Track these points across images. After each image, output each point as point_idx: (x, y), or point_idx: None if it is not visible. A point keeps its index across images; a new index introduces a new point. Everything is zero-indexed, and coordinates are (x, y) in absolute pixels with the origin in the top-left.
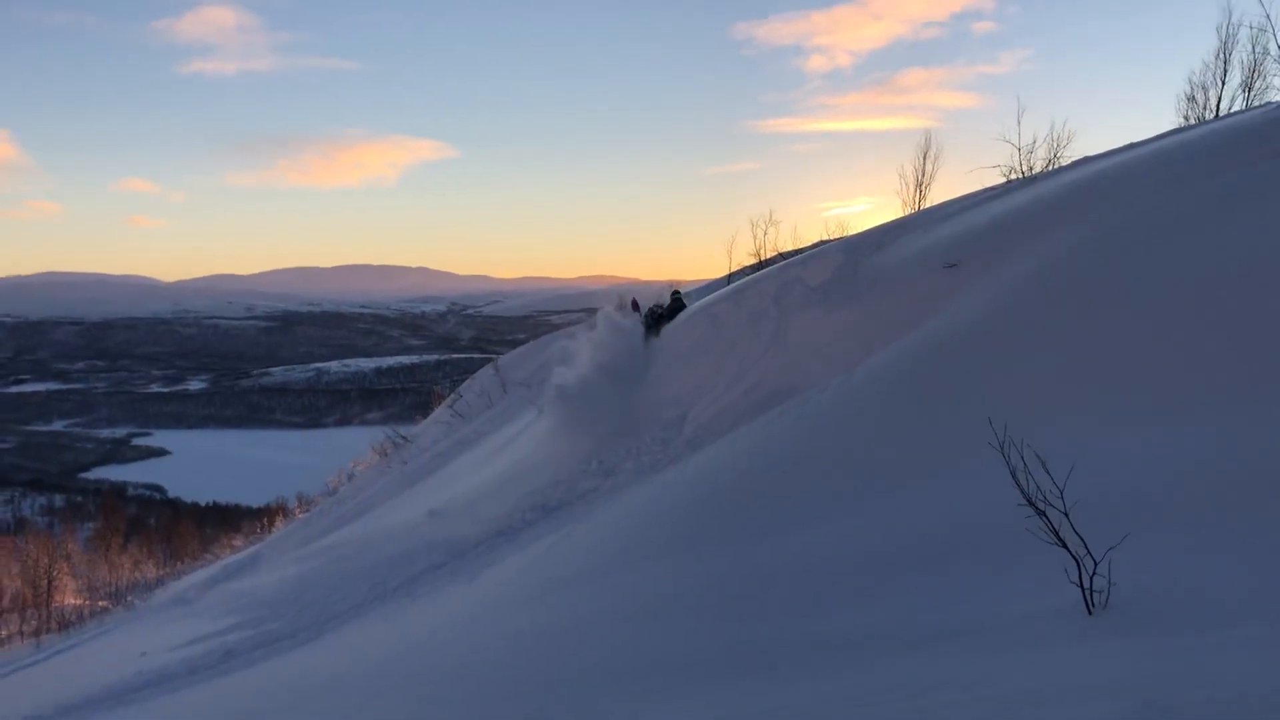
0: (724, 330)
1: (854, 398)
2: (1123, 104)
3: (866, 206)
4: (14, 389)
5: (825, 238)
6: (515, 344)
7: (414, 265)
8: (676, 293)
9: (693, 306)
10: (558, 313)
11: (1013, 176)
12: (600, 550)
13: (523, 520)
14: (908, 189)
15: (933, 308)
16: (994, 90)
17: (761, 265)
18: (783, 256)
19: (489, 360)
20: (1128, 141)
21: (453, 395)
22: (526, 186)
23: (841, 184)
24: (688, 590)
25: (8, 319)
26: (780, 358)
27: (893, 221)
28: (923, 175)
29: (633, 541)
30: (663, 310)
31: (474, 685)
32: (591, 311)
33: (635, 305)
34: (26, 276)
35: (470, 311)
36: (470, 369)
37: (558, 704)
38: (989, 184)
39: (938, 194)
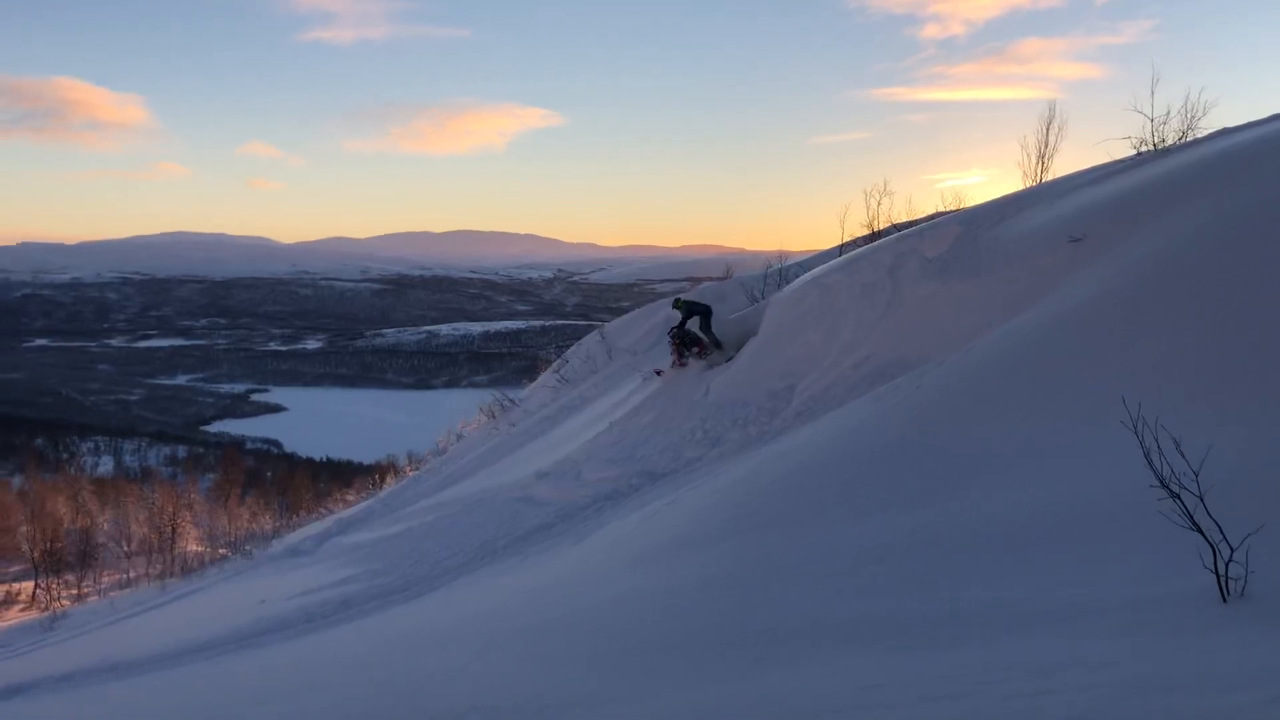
0: (835, 301)
1: (972, 372)
2: (1264, 74)
3: (981, 178)
4: (141, 343)
5: (941, 209)
6: (619, 312)
7: (522, 232)
8: (679, 300)
9: (802, 278)
10: (662, 281)
11: (1143, 149)
12: (709, 517)
13: (629, 485)
14: (1029, 160)
15: (1055, 283)
16: (1115, 61)
17: (875, 236)
18: (896, 228)
19: (594, 327)
20: (1273, 113)
21: (559, 360)
22: (633, 155)
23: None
24: (802, 560)
25: (136, 276)
26: (894, 330)
27: (1014, 193)
28: (1045, 146)
29: (742, 510)
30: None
31: (584, 644)
32: (696, 281)
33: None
34: (154, 236)
35: (576, 278)
36: (575, 335)
37: (669, 665)
38: (1117, 156)
39: (1060, 166)
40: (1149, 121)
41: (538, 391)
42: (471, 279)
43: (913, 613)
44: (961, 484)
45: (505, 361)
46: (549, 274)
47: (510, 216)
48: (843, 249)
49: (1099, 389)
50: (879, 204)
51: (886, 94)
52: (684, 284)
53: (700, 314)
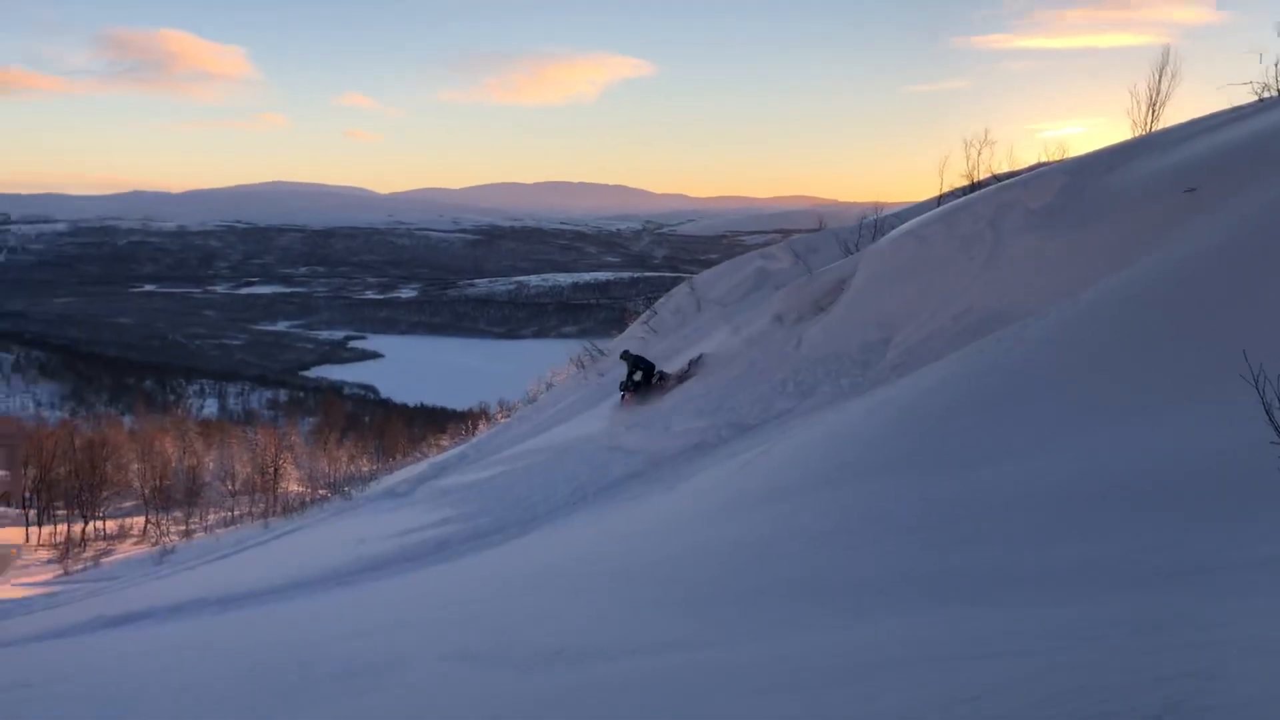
0: (933, 253)
1: (1076, 326)
2: None
3: (1085, 128)
4: (244, 290)
5: (1043, 160)
6: (708, 264)
7: (612, 183)
8: (626, 352)
9: (899, 229)
10: (752, 233)
11: (1265, 95)
12: (800, 468)
13: (718, 436)
14: (1139, 108)
15: (1166, 234)
16: (1234, 4)
17: (974, 187)
18: (997, 179)
19: (682, 279)
20: None
21: (648, 312)
22: (724, 105)
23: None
24: (895, 513)
25: (239, 225)
26: (995, 283)
27: (1124, 142)
28: (1157, 94)
29: (834, 462)
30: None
31: (676, 590)
32: (786, 233)
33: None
34: (255, 185)
35: (665, 230)
36: (663, 287)
37: (762, 613)
38: (1237, 103)
39: (1172, 115)
40: (1273, 65)
41: (626, 342)
42: (561, 230)
43: (1014, 567)
44: (1067, 438)
45: (593, 313)
46: (638, 225)
47: (600, 167)
48: (941, 200)
49: (1214, 344)
50: (979, 154)
51: (987, 41)
52: (774, 235)
53: (644, 369)
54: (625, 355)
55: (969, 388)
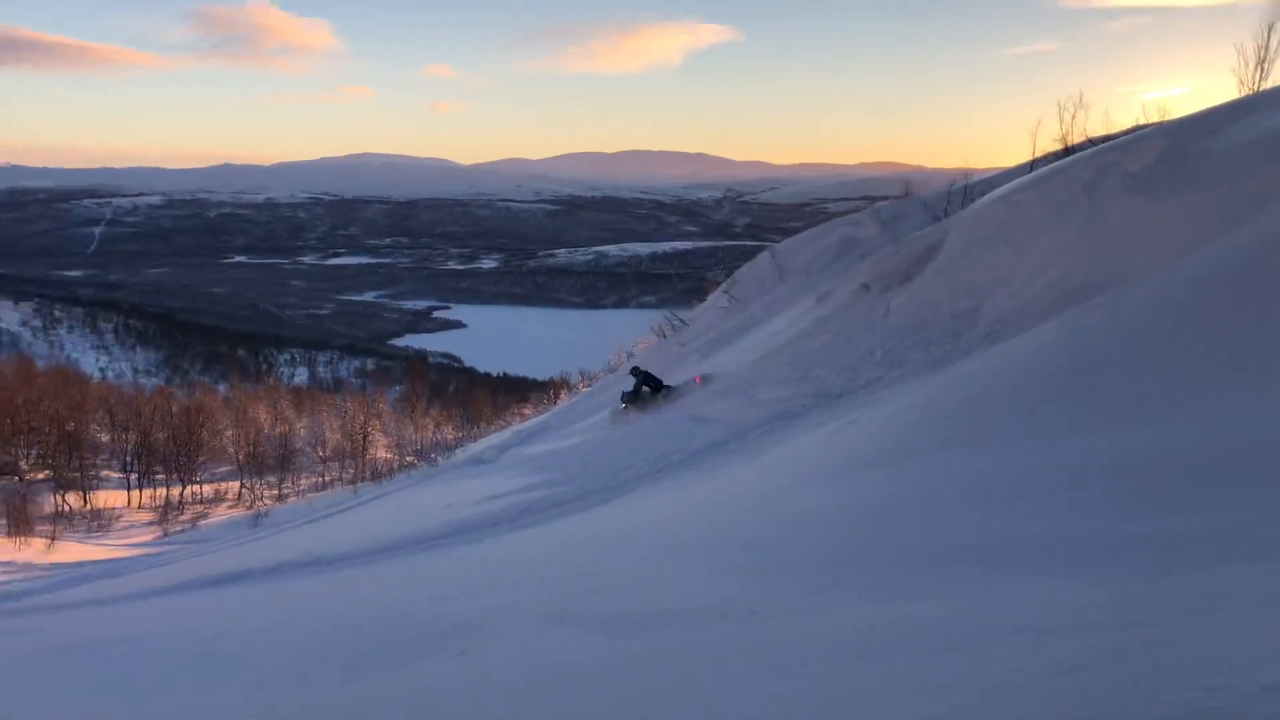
0: (1026, 219)
1: (1178, 294)
2: None
3: (1187, 90)
4: (331, 261)
5: (1142, 122)
6: (790, 232)
7: (692, 151)
8: (636, 368)
9: (990, 195)
10: (836, 200)
11: None
12: (888, 438)
13: (803, 406)
14: (1246, 67)
15: (1276, 198)
16: None
17: (1068, 151)
18: (1092, 142)
19: (763, 248)
20: None
21: (729, 281)
22: (808, 71)
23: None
24: (991, 482)
25: (326, 197)
26: (1090, 249)
27: (1230, 102)
28: (1266, 51)
29: (924, 431)
30: (643, 387)
31: (763, 556)
32: (871, 199)
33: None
34: (341, 157)
35: (746, 198)
36: (744, 256)
37: (850, 580)
38: None
39: None
40: None
41: (707, 312)
42: (641, 199)
43: (1112, 538)
44: (1167, 408)
45: (673, 282)
46: (718, 194)
47: (680, 136)
48: (1033, 165)
49: None
50: (1073, 118)
51: (1080, 1)
52: (859, 203)
53: (652, 384)
54: (635, 371)
55: (1066, 356)
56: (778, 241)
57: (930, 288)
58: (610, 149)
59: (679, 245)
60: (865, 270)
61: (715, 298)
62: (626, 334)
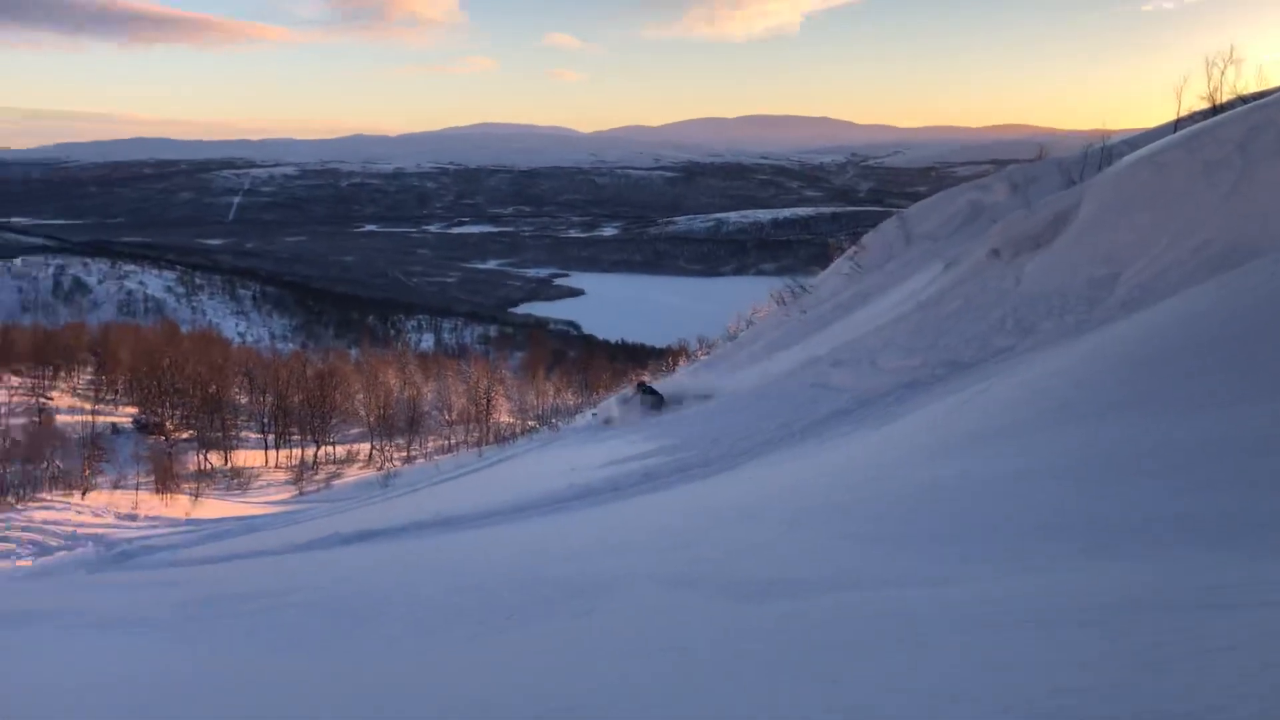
0: (1171, 181)
1: None
2: None
3: None
4: (455, 230)
5: None
6: (915, 197)
7: (815, 115)
8: (642, 383)
9: (1131, 156)
10: (963, 164)
11: None
12: (1022, 408)
13: (931, 374)
14: None
15: None
16: None
17: (1217, 110)
18: (1244, 101)
19: (887, 214)
20: None
21: (853, 247)
22: (933, 29)
23: None
24: (1129, 455)
25: (450, 166)
26: (1242, 212)
27: None
28: None
29: (1061, 401)
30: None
31: (892, 526)
32: (1000, 163)
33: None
34: (465, 127)
35: (870, 163)
36: (867, 222)
37: (984, 552)
38: None
39: None
40: None
41: (830, 279)
42: (762, 165)
43: (1260, 513)
44: None
45: (794, 249)
46: (841, 158)
47: (802, 100)
48: (1178, 125)
49: None
50: (1223, 74)
51: None
52: (987, 166)
53: (654, 397)
54: (642, 386)
55: (1212, 324)
56: (902, 207)
57: (1065, 253)
58: (731, 114)
59: (800, 211)
60: (995, 236)
61: (838, 264)
62: (745, 301)
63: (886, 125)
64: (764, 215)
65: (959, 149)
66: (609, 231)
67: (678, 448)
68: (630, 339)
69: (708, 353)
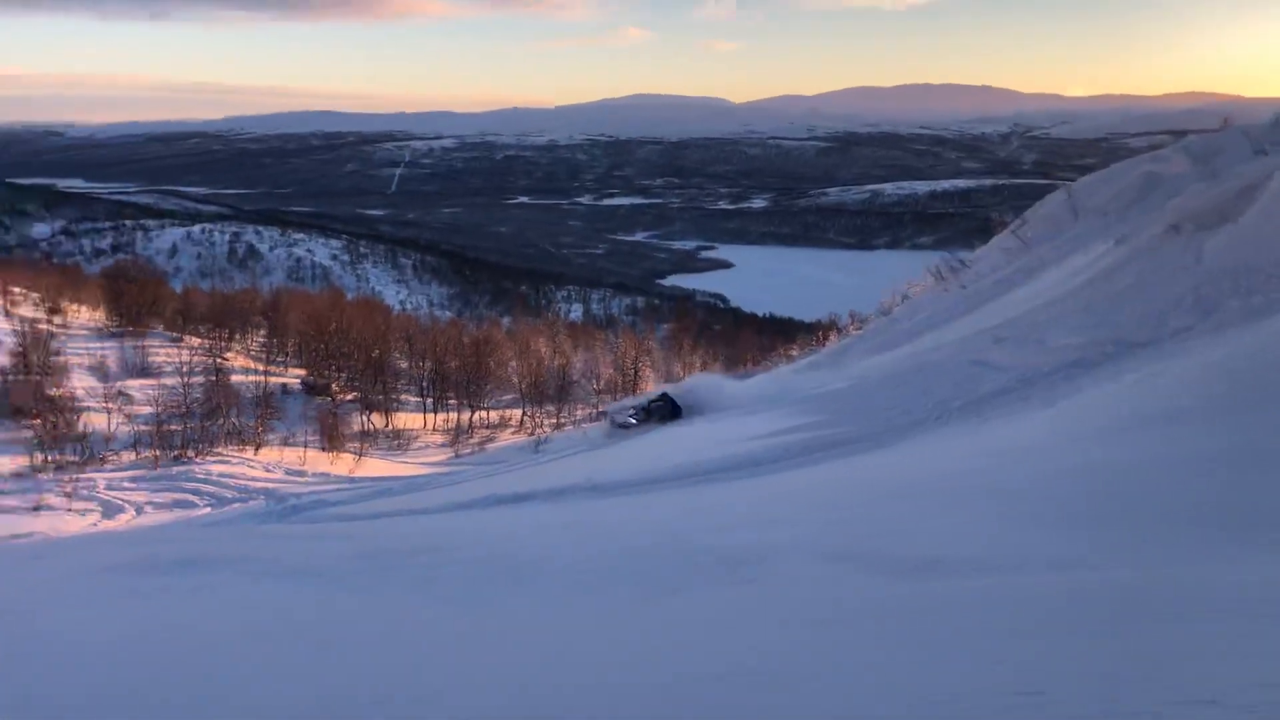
0: None
1: None
2: None
3: None
4: (605, 202)
5: None
6: (1083, 169)
7: (977, 84)
8: (665, 394)
9: None
10: (1137, 135)
11: None
12: (1200, 391)
13: (1101, 354)
14: None
15: None
16: None
17: None
18: None
19: (1052, 187)
20: None
21: (1016, 221)
22: None
23: None
24: None
25: (601, 138)
26: None
27: None
28: None
29: (1245, 386)
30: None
31: (1056, 508)
32: (1178, 134)
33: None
34: (617, 99)
35: (1035, 133)
36: (1030, 195)
37: (1152, 538)
38: None
39: None
40: None
41: (991, 253)
42: (920, 135)
43: None
44: None
45: (952, 222)
46: (1004, 129)
47: (964, 68)
48: None
49: None
50: None
51: None
52: (1163, 137)
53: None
54: (663, 397)
55: None
56: (1069, 180)
57: (1254, 229)
58: (888, 83)
59: (959, 183)
60: (1174, 210)
61: (1001, 239)
62: (899, 276)
63: (1053, 94)
64: (920, 187)
65: (1132, 118)
66: (758, 203)
67: (827, 423)
68: (778, 312)
69: (859, 327)
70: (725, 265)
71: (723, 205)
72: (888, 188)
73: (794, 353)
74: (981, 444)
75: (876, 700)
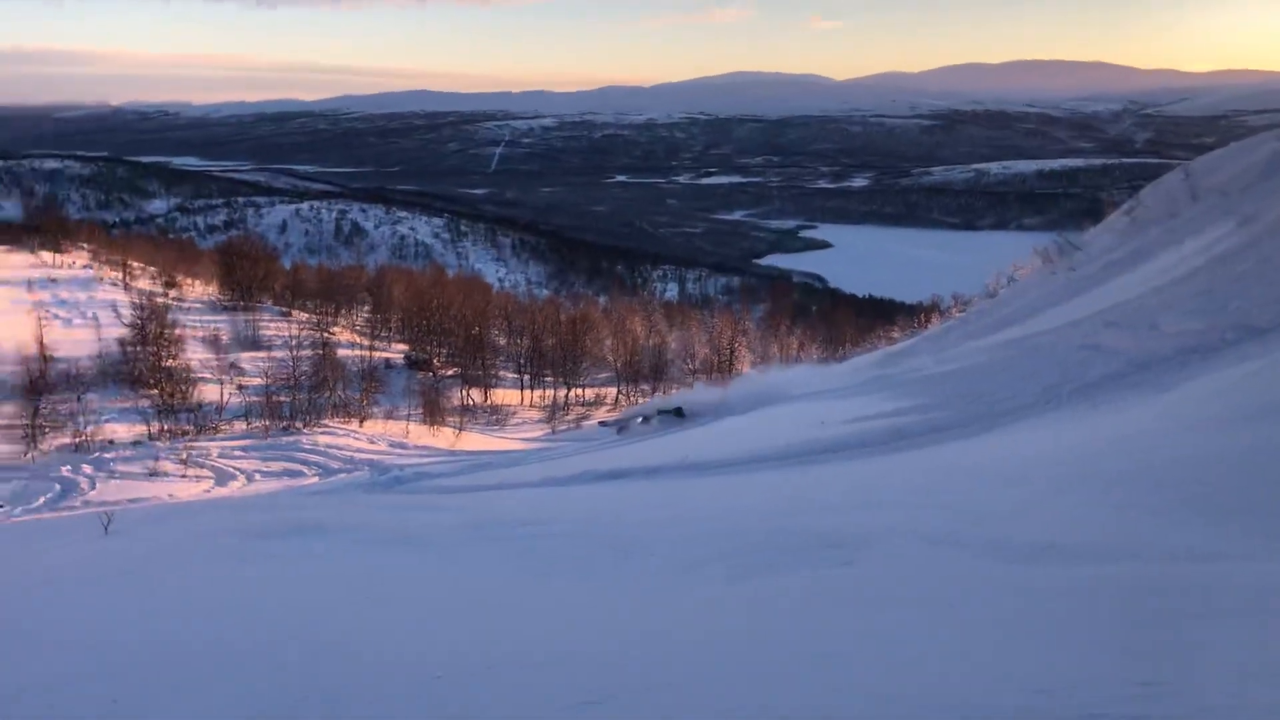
0: None
1: None
2: None
3: None
4: (703, 180)
5: None
6: (1200, 148)
7: (1089, 60)
8: (679, 408)
9: None
10: (1260, 111)
11: None
12: None
13: (1220, 339)
14: None
15: None
16: None
17: None
18: None
19: (1167, 167)
20: None
21: (1130, 201)
22: None
23: None
24: None
25: (701, 116)
26: None
27: None
28: None
29: None
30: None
31: (1176, 496)
32: None
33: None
34: (717, 77)
35: (1150, 111)
36: (1143, 175)
37: (1273, 532)
38: None
39: None
40: None
41: (1102, 235)
42: (1028, 113)
43: None
44: None
45: (1060, 203)
46: (1117, 106)
47: (1075, 43)
48: None
49: None
50: None
51: None
52: None
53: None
54: (678, 410)
55: None
56: (1184, 159)
57: None
58: (995, 59)
59: (1069, 163)
60: None
61: (1113, 220)
62: (1004, 258)
63: (1171, 70)
64: (1028, 167)
65: (1255, 95)
66: (859, 182)
67: (929, 407)
68: (878, 293)
69: (963, 310)
70: (824, 245)
71: (823, 184)
72: (993, 167)
73: (894, 335)
74: (1092, 430)
75: (991, 686)
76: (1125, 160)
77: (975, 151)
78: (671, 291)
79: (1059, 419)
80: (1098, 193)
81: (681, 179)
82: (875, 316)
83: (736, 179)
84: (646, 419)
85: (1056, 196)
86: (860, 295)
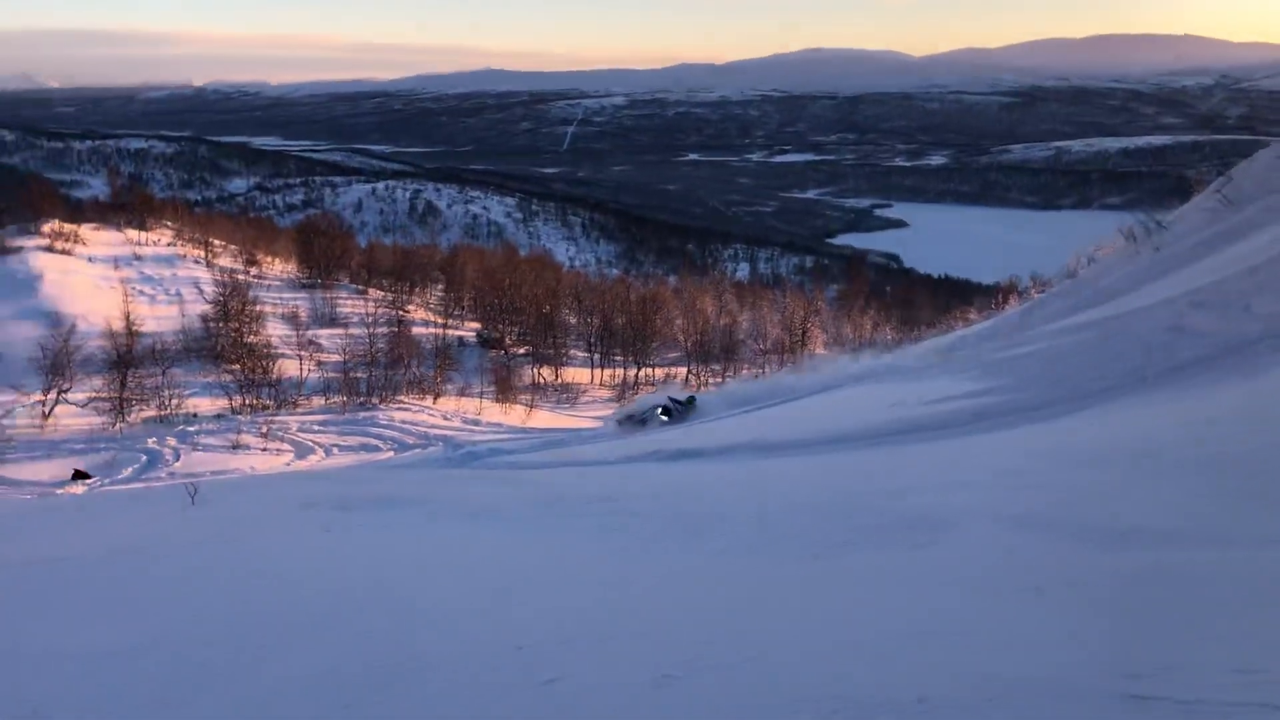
0: None
1: None
2: None
3: None
4: (777, 158)
5: None
6: None
7: (1178, 33)
8: (692, 397)
9: None
10: None
11: None
12: None
13: None
14: None
15: None
16: None
17: None
18: None
19: (1261, 143)
20: None
21: (1221, 179)
22: None
23: None
24: None
25: (774, 94)
26: None
27: None
28: None
29: None
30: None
31: (1260, 483)
32: None
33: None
34: (791, 53)
35: (1244, 85)
36: (1235, 152)
37: None
38: None
39: None
40: None
41: (1189, 214)
42: (1113, 89)
43: None
44: None
45: (1145, 181)
46: (1209, 81)
47: (1163, 15)
48: None
49: None
50: None
51: None
52: None
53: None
54: (689, 400)
55: None
56: None
57: None
58: (1079, 33)
59: (1155, 140)
60: None
61: (1201, 199)
62: (1086, 237)
63: (1267, 43)
64: (1112, 144)
65: None
66: (936, 160)
67: (1010, 388)
68: (955, 273)
69: (1042, 290)
70: (900, 224)
71: (899, 162)
72: (1075, 145)
73: (971, 316)
74: (1180, 413)
75: (1079, 670)
76: (1216, 137)
77: (1056, 129)
78: (743, 271)
79: (1145, 401)
80: (1185, 171)
81: (754, 157)
82: (952, 296)
83: (810, 157)
84: (665, 411)
85: (1141, 175)
86: (936, 275)
